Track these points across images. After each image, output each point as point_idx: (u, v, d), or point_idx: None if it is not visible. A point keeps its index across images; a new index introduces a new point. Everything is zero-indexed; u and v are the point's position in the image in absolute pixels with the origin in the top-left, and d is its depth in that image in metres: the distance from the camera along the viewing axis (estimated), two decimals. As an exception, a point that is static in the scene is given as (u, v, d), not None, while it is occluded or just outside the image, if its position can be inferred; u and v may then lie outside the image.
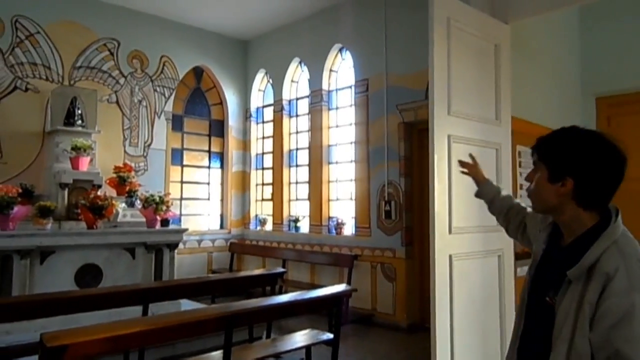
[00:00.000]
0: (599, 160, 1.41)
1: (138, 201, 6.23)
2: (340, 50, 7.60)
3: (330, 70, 7.73)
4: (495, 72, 3.58)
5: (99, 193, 5.72)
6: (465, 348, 3.16)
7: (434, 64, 3.09)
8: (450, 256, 3.11)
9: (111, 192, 6.24)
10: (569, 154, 1.44)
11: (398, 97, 6.45)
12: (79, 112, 6.33)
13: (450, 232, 3.13)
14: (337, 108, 7.69)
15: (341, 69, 7.69)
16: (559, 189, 1.45)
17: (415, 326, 6.09)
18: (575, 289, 1.36)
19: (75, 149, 5.88)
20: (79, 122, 6.31)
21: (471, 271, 3.26)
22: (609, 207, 1.45)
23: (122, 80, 7.53)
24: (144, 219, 5.97)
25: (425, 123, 3.16)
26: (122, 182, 6.41)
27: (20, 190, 5.35)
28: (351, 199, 7.20)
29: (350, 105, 7.34)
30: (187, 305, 5.52)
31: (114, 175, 6.45)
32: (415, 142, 6.44)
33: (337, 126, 7.66)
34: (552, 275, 1.46)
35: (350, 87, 7.35)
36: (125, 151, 7.49)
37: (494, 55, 3.58)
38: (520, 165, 3.90)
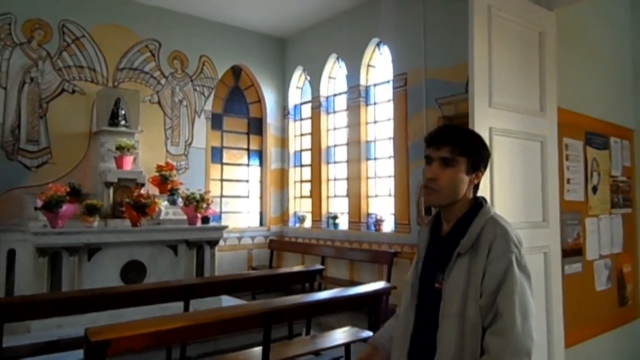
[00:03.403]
0: (489, 153, 1.70)
1: (179, 199, 6.37)
2: (378, 44, 7.50)
3: (368, 66, 7.65)
4: (540, 61, 3.42)
5: (142, 191, 5.87)
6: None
7: (474, 55, 2.98)
8: (492, 253, 3.00)
9: (154, 190, 6.40)
10: (482, 149, 1.66)
11: (437, 90, 6.30)
12: (123, 112, 6.51)
13: (492, 228, 3.03)
14: (375, 103, 7.61)
15: (379, 64, 7.60)
16: (473, 179, 1.63)
17: (458, 324, 5.97)
18: (463, 261, 1.52)
19: (120, 148, 6.05)
20: (123, 122, 6.48)
21: (515, 269, 3.13)
22: (477, 196, 1.67)
23: (163, 81, 7.69)
24: (185, 217, 6.09)
25: (466, 117, 3.06)
26: (164, 181, 6.56)
27: (68, 189, 5.53)
28: (390, 195, 7.12)
29: (389, 100, 7.25)
30: (227, 301, 5.59)
31: (157, 173, 6.61)
32: (455, 136, 6.28)
33: (375, 122, 7.57)
34: (439, 261, 1.59)
35: (389, 81, 7.26)
36: (167, 150, 7.66)
37: (538, 43, 3.42)
38: (567, 159, 3.72)
